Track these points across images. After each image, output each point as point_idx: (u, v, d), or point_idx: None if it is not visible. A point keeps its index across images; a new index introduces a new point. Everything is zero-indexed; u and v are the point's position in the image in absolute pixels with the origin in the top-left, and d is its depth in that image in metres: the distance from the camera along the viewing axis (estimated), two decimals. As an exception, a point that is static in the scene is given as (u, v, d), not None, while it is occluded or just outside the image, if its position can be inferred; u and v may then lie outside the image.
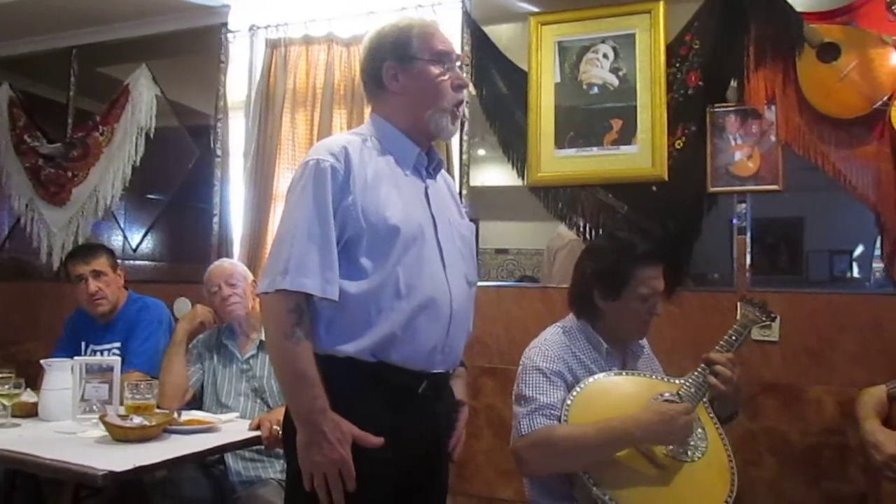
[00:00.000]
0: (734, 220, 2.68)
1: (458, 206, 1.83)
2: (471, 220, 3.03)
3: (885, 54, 2.45)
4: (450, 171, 3.06)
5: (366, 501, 1.53)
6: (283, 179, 3.33)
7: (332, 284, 1.52)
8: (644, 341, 2.13)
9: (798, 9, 2.58)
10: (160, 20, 3.69)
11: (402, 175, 1.65)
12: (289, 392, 1.58)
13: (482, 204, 3.14)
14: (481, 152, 3.14)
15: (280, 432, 2.00)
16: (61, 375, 2.38)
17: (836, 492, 2.48)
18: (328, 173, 1.55)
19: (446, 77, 1.64)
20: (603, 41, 2.88)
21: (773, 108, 2.61)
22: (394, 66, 1.65)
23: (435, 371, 1.63)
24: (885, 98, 2.44)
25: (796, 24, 2.55)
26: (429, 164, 1.72)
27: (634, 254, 1.95)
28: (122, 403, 2.30)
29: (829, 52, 2.51)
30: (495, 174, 3.08)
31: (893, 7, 2.37)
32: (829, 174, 2.54)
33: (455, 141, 3.11)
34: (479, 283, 2.93)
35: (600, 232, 2.84)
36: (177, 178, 3.72)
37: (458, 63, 1.70)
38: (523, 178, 2.97)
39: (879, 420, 2.09)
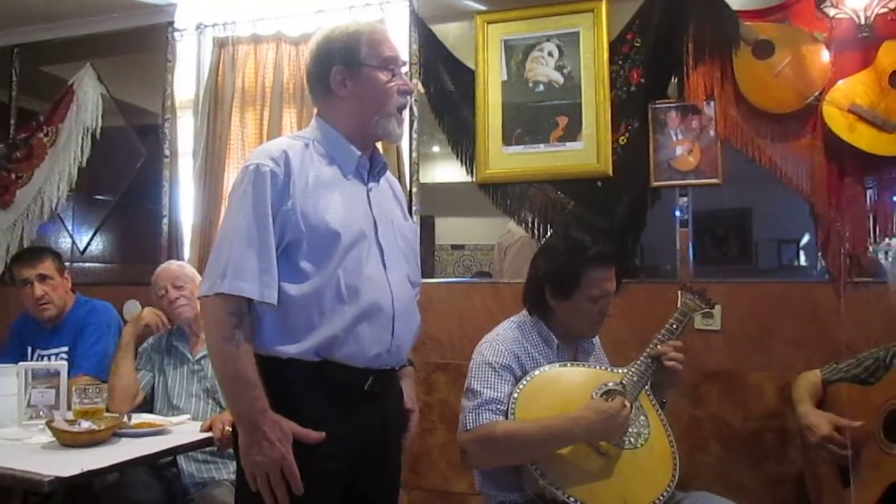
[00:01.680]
0: (676, 213, 2.76)
1: (402, 209, 1.85)
2: (426, 216, 3.14)
3: (817, 51, 2.54)
4: (400, 169, 3.08)
5: (314, 497, 1.54)
6: (232, 179, 3.27)
7: (269, 288, 1.54)
8: (595, 339, 2.18)
9: (734, 7, 2.65)
10: (105, 19, 3.64)
11: (344, 179, 1.67)
12: (229, 394, 1.60)
13: (437, 200, 3.17)
14: (436, 149, 3.17)
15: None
16: (6, 381, 2.34)
17: (777, 473, 2.57)
18: (268, 178, 1.56)
19: (393, 83, 1.67)
20: (548, 39, 2.93)
21: (711, 103, 2.69)
22: (342, 72, 1.66)
23: (381, 368, 1.65)
24: (817, 93, 2.53)
25: (733, 22, 2.62)
26: (372, 167, 1.74)
27: (585, 256, 1.99)
28: (69, 408, 2.28)
29: (763, 50, 2.59)
30: (450, 171, 3.10)
31: (822, 6, 2.45)
32: (766, 167, 2.62)
33: (405, 139, 3.14)
34: (432, 280, 3.00)
35: (549, 227, 2.89)
36: (125, 178, 3.68)
37: (405, 69, 1.73)
38: (472, 176, 3.01)
39: (813, 403, 2.17)
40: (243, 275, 1.52)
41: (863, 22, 2.40)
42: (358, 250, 1.61)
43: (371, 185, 1.73)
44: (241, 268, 1.52)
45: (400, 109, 1.70)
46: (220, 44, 3.42)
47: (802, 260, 2.75)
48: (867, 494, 1.94)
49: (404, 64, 1.73)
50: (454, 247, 3.18)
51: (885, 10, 2.39)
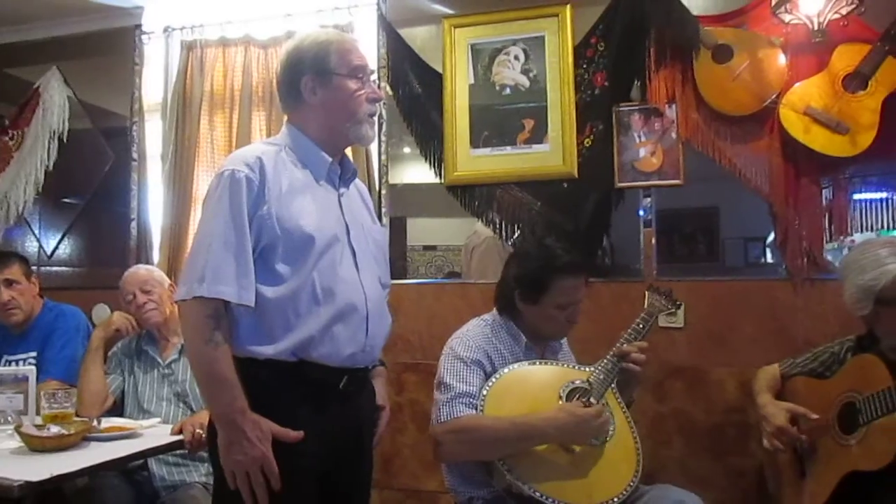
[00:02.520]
0: (640, 213, 2.82)
1: (370, 213, 1.90)
2: (397, 217, 3.16)
3: (774, 55, 2.61)
4: (369, 171, 3.11)
5: (292, 495, 1.57)
6: (201, 182, 3.31)
7: (247, 290, 1.57)
8: (563, 339, 2.23)
9: (694, 12, 2.71)
10: (71, 21, 3.62)
11: (316, 184, 1.71)
12: (208, 395, 1.63)
13: (408, 201, 3.20)
14: (407, 150, 3.19)
15: (203, 435, 2.03)
16: (-26, 387, 2.34)
17: (739, 466, 2.64)
18: (243, 184, 1.60)
19: (362, 91, 1.71)
20: (514, 43, 2.97)
21: (673, 106, 2.75)
22: (312, 80, 1.70)
23: (355, 367, 1.70)
24: (774, 96, 2.60)
25: (693, 27, 2.68)
26: (343, 173, 1.79)
27: (555, 264, 2.03)
28: (38, 413, 2.28)
29: (723, 54, 2.66)
30: (422, 172, 3.12)
31: (777, 12, 2.52)
32: (726, 168, 2.68)
33: (374, 142, 3.17)
34: (402, 281, 3.03)
35: (516, 228, 2.93)
36: (93, 181, 3.66)
37: (374, 77, 1.78)
38: (441, 178, 3.04)
39: (772, 395, 2.23)
40: (221, 278, 1.55)
41: (816, 27, 2.47)
42: (332, 253, 1.65)
43: (342, 190, 1.77)
44: (219, 271, 1.55)
45: (370, 116, 1.74)
46: (188, 47, 3.42)
47: (769, 257, 2.82)
48: (823, 484, 2.00)
49: (373, 72, 1.78)
50: (426, 247, 3.22)
51: (837, 15, 2.47)
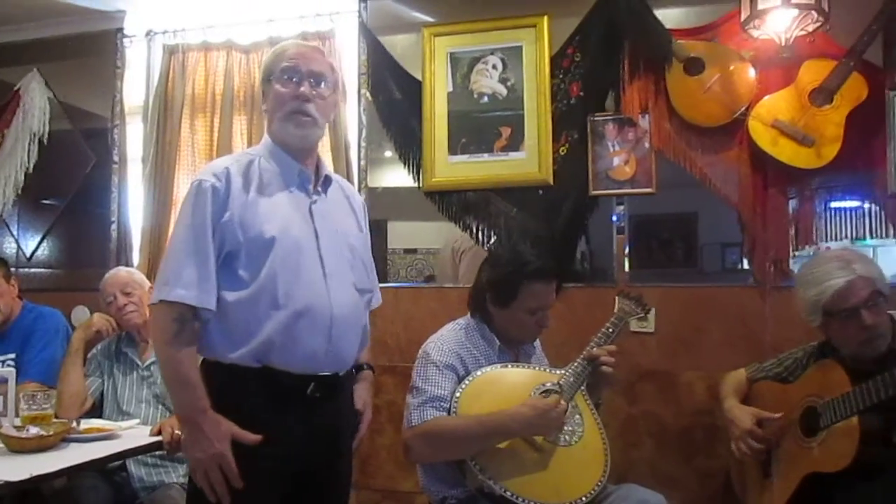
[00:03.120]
0: (613, 220, 2.88)
1: (357, 220, 1.93)
2: (378, 220, 3.18)
3: (744, 68, 2.69)
4: (349, 175, 3.15)
5: (253, 495, 1.63)
6: (182, 185, 3.34)
7: (208, 294, 1.64)
8: (536, 342, 2.29)
9: (667, 26, 2.78)
10: (52, 24, 3.63)
11: (287, 191, 1.76)
12: (173, 394, 1.74)
13: (389, 204, 3.24)
14: (388, 154, 3.22)
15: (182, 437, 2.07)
16: (-47, 389, 2.34)
17: (707, 467, 2.70)
18: (209, 192, 1.68)
19: (287, 89, 1.75)
20: (492, 53, 3.03)
21: (646, 117, 2.82)
22: (264, 88, 1.81)
23: (322, 374, 1.73)
24: (744, 108, 2.67)
25: (665, 40, 2.75)
26: (317, 179, 1.83)
27: (525, 270, 2.07)
28: (17, 415, 2.29)
29: (694, 66, 2.73)
30: (402, 175, 3.16)
31: (747, 27, 2.60)
32: (697, 177, 2.75)
33: (354, 145, 3.21)
34: (381, 285, 3.05)
35: (492, 234, 2.99)
36: (73, 183, 3.66)
37: (312, 78, 1.77)
38: (419, 183, 3.09)
39: (739, 399, 2.30)
40: (183, 283, 1.63)
41: (783, 43, 2.54)
42: (295, 259, 1.69)
43: (316, 196, 1.81)
44: (181, 276, 1.63)
45: (294, 113, 1.75)
46: (170, 51, 3.44)
47: (745, 263, 2.85)
48: (786, 485, 2.06)
49: (311, 73, 1.77)
50: (406, 250, 3.26)
51: (803, 32, 2.54)
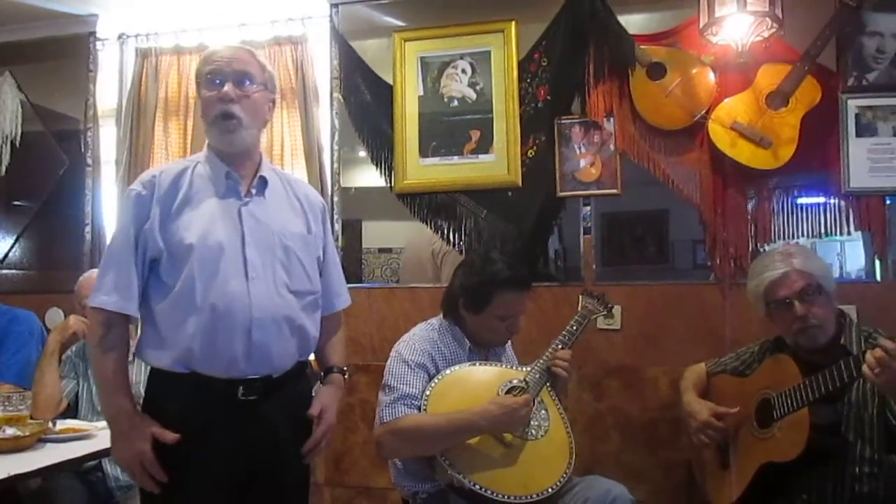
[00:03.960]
0: (581, 220, 2.95)
1: (307, 220, 1.89)
2: (352, 220, 3.22)
3: (704, 73, 2.77)
4: (322, 176, 3.20)
5: (185, 493, 1.69)
6: (156, 188, 3.35)
7: (127, 301, 1.71)
8: (507, 344, 2.35)
9: (630, 31, 2.86)
10: (26, 27, 3.62)
11: (216, 196, 1.77)
12: (99, 395, 1.81)
13: (364, 204, 3.28)
14: (361, 154, 3.25)
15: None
16: (-72, 391, 2.36)
17: (671, 459, 2.79)
18: (134, 201, 1.74)
19: (212, 93, 1.76)
20: (461, 57, 3.08)
21: (611, 120, 2.89)
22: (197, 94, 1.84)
23: (250, 377, 1.72)
24: (704, 112, 2.75)
25: (629, 45, 2.82)
26: (252, 181, 1.82)
27: (497, 279, 2.13)
28: (-8, 416, 2.31)
29: (656, 71, 2.81)
30: (376, 175, 3.19)
31: (705, 33, 2.68)
32: (660, 179, 2.83)
33: (327, 148, 3.26)
34: (354, 285, 3.10)
35: (463, 235, 3.05)
36: (46, 185, 3.66)
37: (237, 77, 1.76)
38: (391, 185, 3.13)
39: (698, 393, 2.38)
40: (105, 289, 1.70)
41: (740, 49, 2.63)
42: (213, 264, 1.69)
43: (249, 199, 1.79)
44: (104, 283, 1.71)
45: (219, 116, 1.75)
46: (143, 54, 3.47)
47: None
48: (743, 474, 2.14)
49: (232, 73, 1.76)
50: (381, 250, 3.29)
51: (759, 37, 2.63)
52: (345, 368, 2.00)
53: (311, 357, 1.97)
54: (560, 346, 2.22)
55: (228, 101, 1.74)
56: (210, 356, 1.69)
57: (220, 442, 1.69)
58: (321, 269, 1.93)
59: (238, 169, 1.80)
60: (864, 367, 1.83)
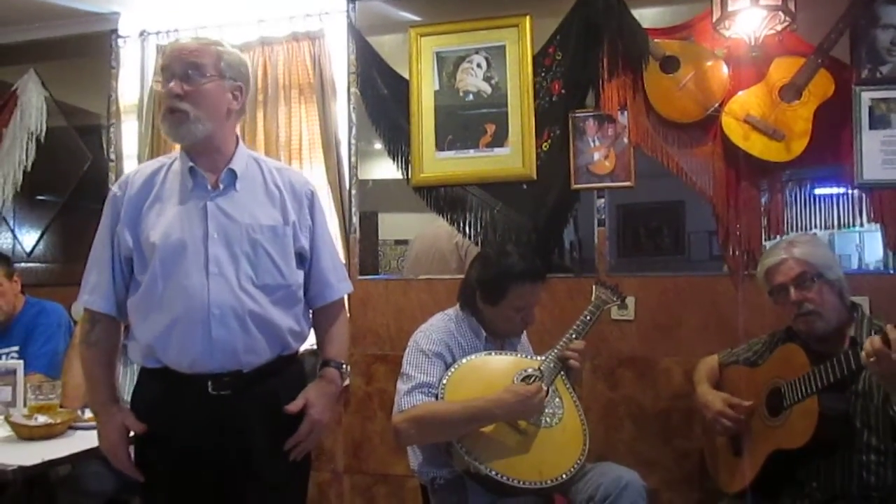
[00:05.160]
0: (595, 213, 2.99)
1: (283, 210, 1.85)
2: (369, 212, 3.26)
3: (717, 66, 2.79)
4: (339, 169, 3.25)
5: (160, 484, 1.77)
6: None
7: (103, 299, 1.79)
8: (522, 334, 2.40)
9: (644, 25, 2.88)
10: (49, 25, 3.69)
11: (185, 191, 1.78)
12: (85, 388, 1.89)
13: (380, 196, 3.32)
14: (377, 146, 3.29)
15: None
16: (-37, 380, 2.45)
17: (683, 448, 2.83)
18: (110, 202, 1.81)
19: (163, 90, 1.75)
20: (477, 52, 3.12)
21: (625, 113, 2.92)
22: None
23: (217, 372, 1.73)
24: (717, 105, 2.77)
25: (643, 39, 2.84)
26: (220, 177, 1.80)
27: (513, 272, 2.19)
28: (24, 405, 2.40)
29: (670, 65, 2.83)
30: (393, 168, 3.23)
31: (718, 27, 2.70)
32: (673, 171, 2.86)
33: (344, 141, 3.31)
34: (371, 277, 3.16)
35: (479, 227, 3.09)
36: (71, 180, 3.74)
37: (183, 71, 1.74)
38: (407, 179, 3.18)
39: (711, 384, 2.42)
40: (87, 289, 1.80)
41: (753, 42, 2.65)
42: (175, 261, 1.72)
43: (216, 193, 1.78)
44: (86, 282, 1.80)
45: (166, 112, 1.75)
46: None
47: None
48: (753, 461, 2.18)
49: (190, 66, 1.74)
50: (397, 242, 3.32)
51: (772, 31, 2.65)
52: (342, 362, 1.95)
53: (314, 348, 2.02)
54: (574, 336, 2.27)
55: (174, 97, 1.72)
56: (171, 351, 1.73)
57: (195, 435, 1.73)
58: (309, 259, 1.91)
59: (204, 163, 1.79)
60: (862, 355, 1.87)
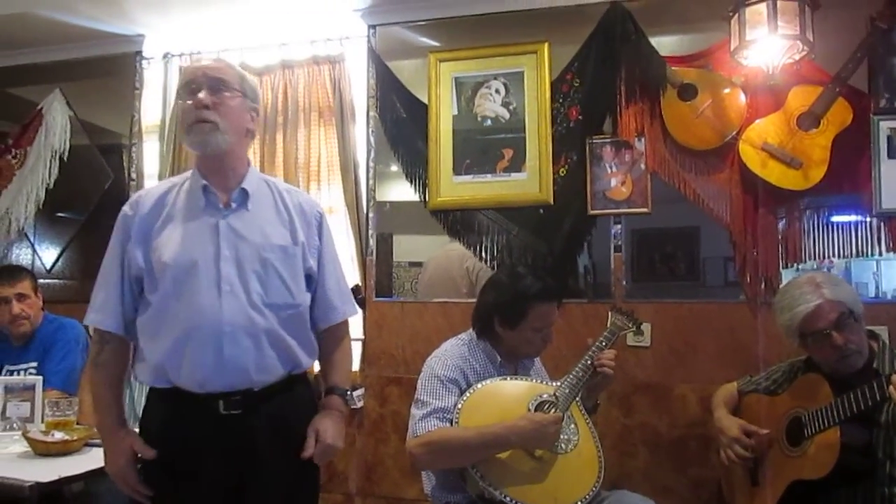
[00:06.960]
0: (611, 239, 2.99)
1: (293, 230, 1.85)
2: (384, 234, 3.28)
3: (734, 94, 2.81)
4: (357, 192, 3.27)
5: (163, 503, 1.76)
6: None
7: (111, 318, 1.78)
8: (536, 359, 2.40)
9: (662, 53, 2.91)
10: (74, 47, 3.77)
11: (197, 211, 1.78)
12: (93, 409, 1.86)
13: (395, 218, 3.34)
14: (394, 168, 3.32)
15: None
16: (-18, 396, 2.47)
17: (699, 476, 2.80)
18: (120, 221, 1.81)
19: (189, 103, 1.75)
20: (495, 77, 3.15)
21: (642, 140, 2.93)
22: None
23: (228, 391, 1.73)
24: (734, 132, 2.79)
25: (660, 66, 2.87)
26: (232, 196, 1.81)
27: (530, 292, 2.19)
28: (42, 420, 2.41)
29: (687, 92, 2.85)
30: (409, 190, 3.26)
31: (736, 55, 2.71)
32: (690, 198, 2.87)
33: (363, 164, 3.34)
34: (386, 299, 3.17)
35: (495, 251, 3.10)
36: (92, 198, 3.78)
37: (212, 85, 1.75)
38: (424, 202, 3.20)
39: (729, 410, 2.40)
40: (95, 308, 1.79)
41: (771, 71, 2.66)
42: (187, 279, 1.71)
43: (228, 212, 1.79)
44: (95, 302, 1.80)
45: (193, 122, 1.74)
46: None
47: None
48: (773, 492, 2.16)
49: (217, 80, 1.76)
50: (412, 264, 3.34)
51: (790, 60, 2.66)
52: (346, 389, 1.94)
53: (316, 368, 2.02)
54: (589, 363, 2.26)
55: (203, 107, 1.73)
56: (181, 371, 1.71)
57: (204, 457, 1.72)
58: (315, 280, 1.91)
59: (217, 182, 1.80)
60: (891, 388, 1.85)
